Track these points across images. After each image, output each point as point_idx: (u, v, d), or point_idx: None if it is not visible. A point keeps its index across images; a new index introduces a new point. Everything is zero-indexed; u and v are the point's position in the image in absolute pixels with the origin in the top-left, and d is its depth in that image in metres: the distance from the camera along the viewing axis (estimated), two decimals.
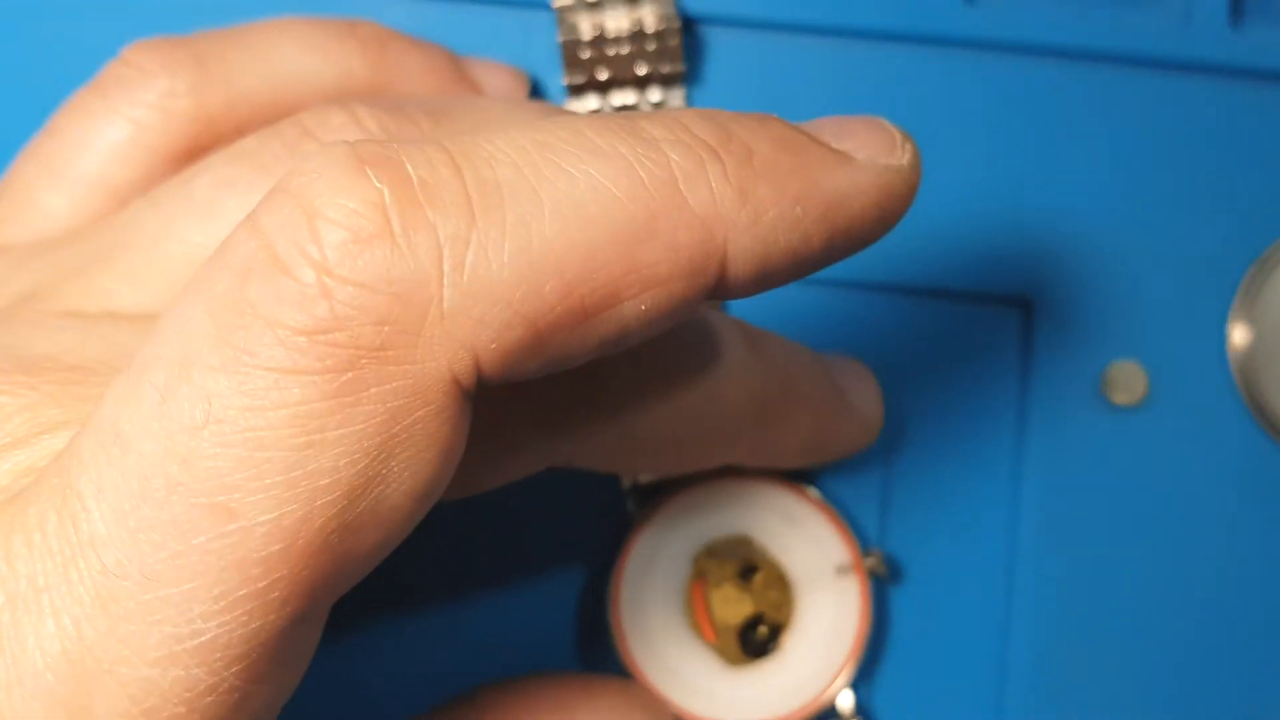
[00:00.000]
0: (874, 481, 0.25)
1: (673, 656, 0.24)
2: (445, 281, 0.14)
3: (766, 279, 0.16)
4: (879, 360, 0.25)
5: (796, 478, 0.24)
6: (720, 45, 0.26)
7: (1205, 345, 0.25)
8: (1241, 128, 0.25)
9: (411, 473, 0.14)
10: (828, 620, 0.24)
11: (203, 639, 0.14)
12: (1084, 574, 0.25)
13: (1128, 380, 0.25)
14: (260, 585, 0.14)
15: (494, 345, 0.14)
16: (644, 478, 0.24)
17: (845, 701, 0.24)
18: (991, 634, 0.25)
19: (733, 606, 0.24)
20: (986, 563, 0.25)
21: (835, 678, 0.24)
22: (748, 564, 0.24)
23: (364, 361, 0.14)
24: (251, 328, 0.14)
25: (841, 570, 0.24)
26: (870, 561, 0.24)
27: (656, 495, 0.24)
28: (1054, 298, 0.25)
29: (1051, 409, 0.25)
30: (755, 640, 0.24)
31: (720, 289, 0.16)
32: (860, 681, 0.25)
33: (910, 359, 0.25)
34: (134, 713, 0.14)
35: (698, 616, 0.24)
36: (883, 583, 0.25)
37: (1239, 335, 0.25)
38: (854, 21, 0.25)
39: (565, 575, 0.25)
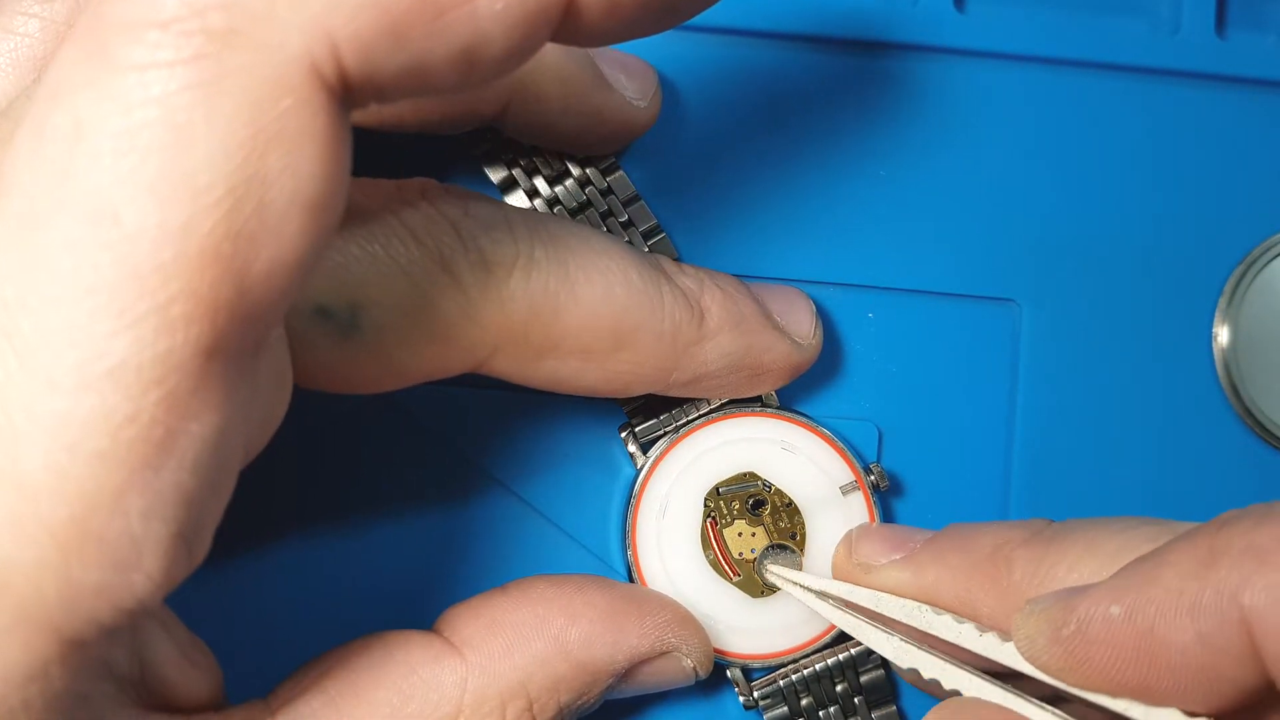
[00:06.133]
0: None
1: (701, 600, 0.24)
2: None
3: (618, 6, 0.16)
4: (878, 358, 0.26)
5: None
6: (715, 53, 0.26)
7: (1192, 345, 0.26)
8: (1227, 133, 0.26)
9: (292, 174, 0.14)
10: (839, 539, 0.24)
11: (112, 361, 0.14)
12: None
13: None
14: (160, 299, 0.14)
15: (349, 29, 0.14)
16: (640, 427, 0.25)
17: None
18: None
19: (747, 541, 0.24)
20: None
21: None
22: (755, 498, 0.25)
23: (217, 47, 0.14)
24: (109, 36, 0.14)
25: (846, 489, 0.25)
26: (872, 478, 0.25)
27: (654, 444, 0.25)
28: (1043, 299, 0.26)
29: (1040, 407, 0.26)
30: None
31: (574, 13, 0.16)
32: None
33: (905, 358, 0.26)
34: (55, 449, 0.14)
35: (717, 556, 0.24)
36: (886, 498, 0.25)
37: (1224, 335, 0.26)
38: (845, 29, 0.26)
39: (578, 533, 0.25)
